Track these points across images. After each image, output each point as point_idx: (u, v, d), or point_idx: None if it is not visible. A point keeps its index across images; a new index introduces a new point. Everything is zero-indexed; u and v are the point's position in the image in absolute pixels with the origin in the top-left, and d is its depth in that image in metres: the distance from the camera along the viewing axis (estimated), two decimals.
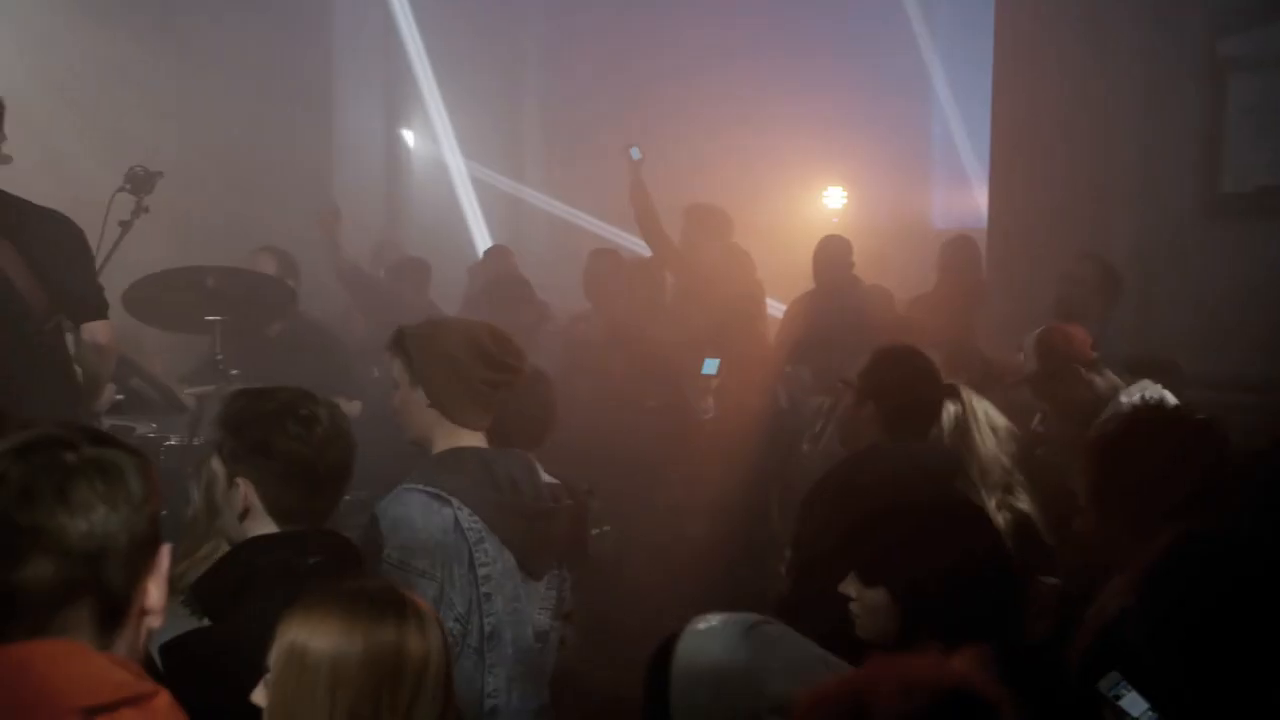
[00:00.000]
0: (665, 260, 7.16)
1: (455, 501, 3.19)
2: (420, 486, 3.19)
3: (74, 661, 1.68)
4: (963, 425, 3.90)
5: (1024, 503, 3.89)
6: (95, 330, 4.42)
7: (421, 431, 3.33)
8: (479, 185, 10.29)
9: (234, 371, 5.32)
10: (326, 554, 2.67)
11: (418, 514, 3.15)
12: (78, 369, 4.47)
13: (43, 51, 7.87)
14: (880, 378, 3.87)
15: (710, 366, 5.85)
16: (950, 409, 3.91)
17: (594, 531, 4.61)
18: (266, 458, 2.70)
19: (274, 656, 2.15)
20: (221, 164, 8.56)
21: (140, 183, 5.12)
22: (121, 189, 5.12)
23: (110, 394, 4.75)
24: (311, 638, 2.13)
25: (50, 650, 1.68)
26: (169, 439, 5.34)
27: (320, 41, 9.94)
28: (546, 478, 3.41)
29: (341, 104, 10.13)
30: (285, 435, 2.69)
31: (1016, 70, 7.36)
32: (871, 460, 3.74)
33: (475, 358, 3.26)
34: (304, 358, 5.82)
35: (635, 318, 6.59)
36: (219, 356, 5.32)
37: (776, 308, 7.35)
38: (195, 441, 5.11)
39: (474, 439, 3.32)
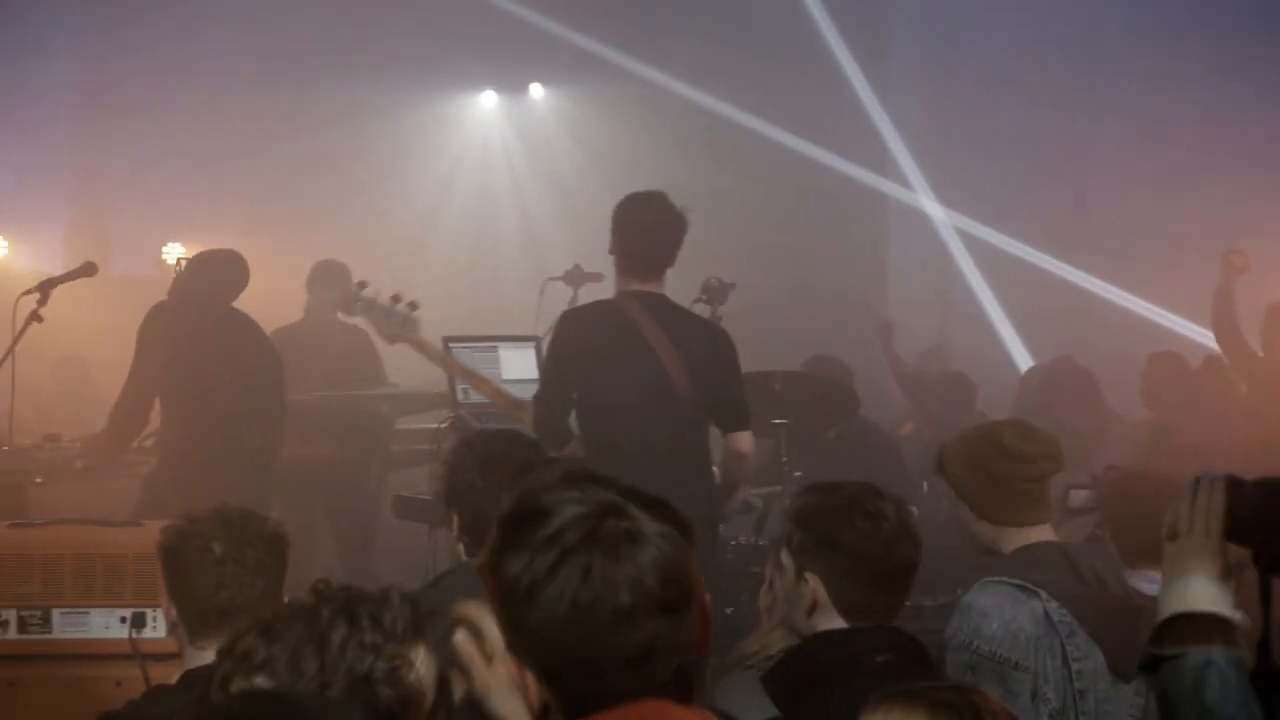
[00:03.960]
0: (1240, 366, 6.65)
1: (1043, 594, 3.13)
2: (1005, 579, 3.16)
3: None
4: None
5: None
6: (739, 439, 4.67)
7: (985, 542, 3.31)
8: (1040, 283, 9.92)
9: (797, 474, 5.47)
10: (895, 652, 2.66)
11: (1008, 605, 3.11)
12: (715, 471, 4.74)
13: (623, 175, 8.58)
14: None
15: None
16: None
17: None
18: (834, 552, 2.74)
19: None
20: (780, 273, 8.92)
21: (715, 293, 5.45)
22: (698, 300, 5.45)
23: (745, 497, 4.96)
24: None
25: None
26: (735, 539, 5.55)
27: (874, 153, 10.16)
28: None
29: (898, 211, 10.26)
30: (853, 530, 2.73)
31: None
32: None
33: (1002, 457, 3.22)
34: (862, 460, 5.88)
35: (1195, 427, 6.15)
36: (784, 459, 5.48)
37: None
38: (761, 542, 5.28)
39: (1041, 533, 3.26)
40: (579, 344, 4.56)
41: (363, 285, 5.02)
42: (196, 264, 5.68)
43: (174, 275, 5.65)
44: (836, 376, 6.38)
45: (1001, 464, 3.23)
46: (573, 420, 4.61)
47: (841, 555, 2.73)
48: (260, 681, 1.88)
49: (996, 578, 3.16)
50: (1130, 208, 9.26)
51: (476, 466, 3.24)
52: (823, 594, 2.75)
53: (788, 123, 9.52)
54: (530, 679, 1.69)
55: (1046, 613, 3.10)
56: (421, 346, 5.06)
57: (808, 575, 2.77)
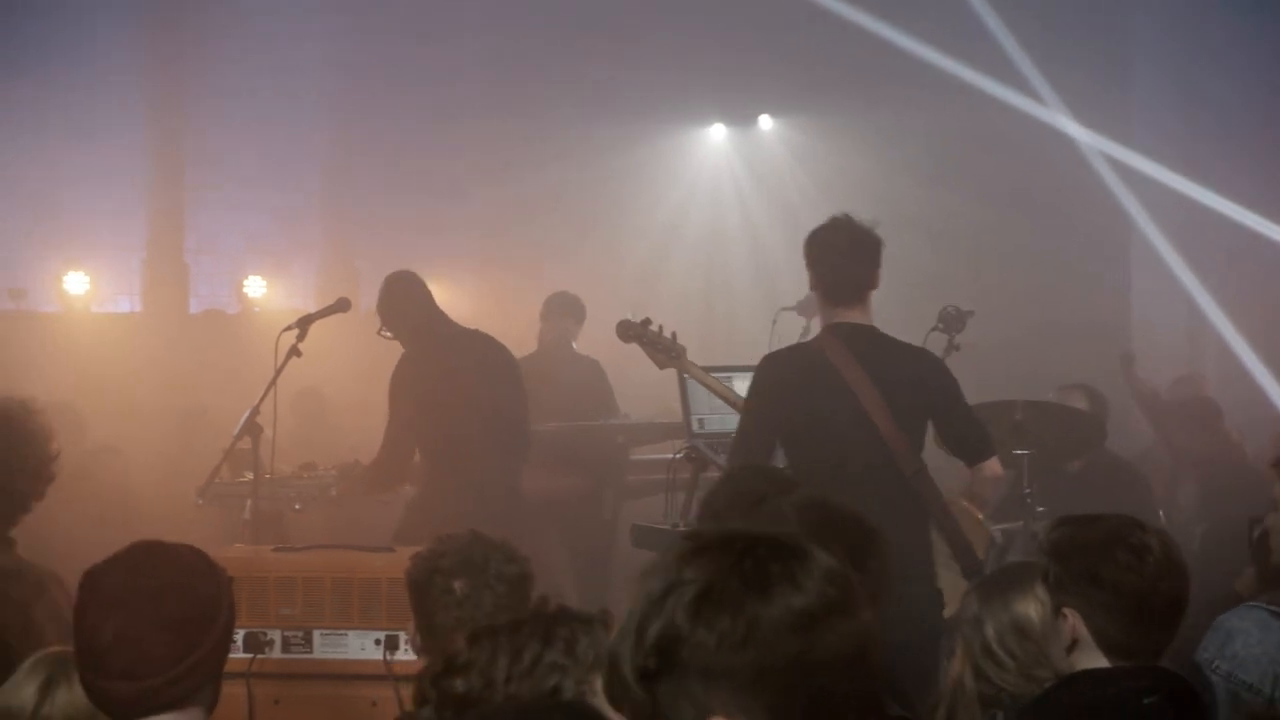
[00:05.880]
0: None
1: None
2: (1264, 604, 3.13)
3: None
4: None
5: None
6: (986, 468, 4.46)
7: None
8: None
9: (1040, 508, 5.29)
10: (1164, 695, 2.54)
11: (1255, 628, 3.08)
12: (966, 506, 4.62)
13: (854, 203, 8.51)
14: None
15: None
16: None
17: None
18: (1095, 587, 2.64)
19: None
20: (1020, 300, 8.70)
21: (952, 322, 5.34)
22: (935, 328, 5.36)
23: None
24: None
25: None
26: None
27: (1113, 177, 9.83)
28: None
29: (1139, 248, 9.87)
30: (1115, 564, 2.63)
31: None
32: None
33: None
34: (1109, 495, 5.66)
35: None
36: (1027, 491, 5.30)
37: None
38: None
39: None
40: (774, 389, 4.36)
41: (647, 322, 5.13)
42: (401, 297, 5.78)
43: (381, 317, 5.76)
44: (1083, 407, 6.14)
45: None
46: None
47: (1104, 591, 2.63)
48: (459, 683, 1.94)
49: (1257, 602, 3.13)
50: None
51: (725, 501, 3.23)
52: (1083, 631, 2.65)
53: (1023, 149, 9.28)
54: None
55: None
56: (691, 370, 5.18)
57: (1066, 611, 2.67)
